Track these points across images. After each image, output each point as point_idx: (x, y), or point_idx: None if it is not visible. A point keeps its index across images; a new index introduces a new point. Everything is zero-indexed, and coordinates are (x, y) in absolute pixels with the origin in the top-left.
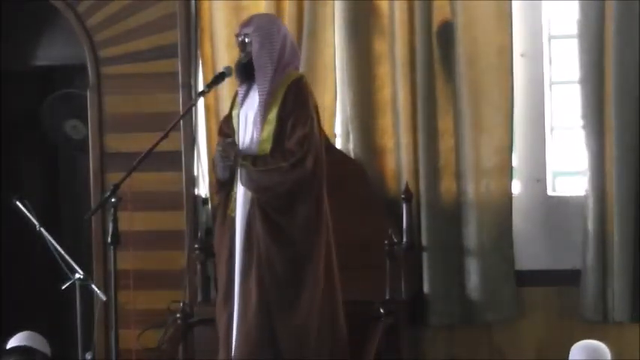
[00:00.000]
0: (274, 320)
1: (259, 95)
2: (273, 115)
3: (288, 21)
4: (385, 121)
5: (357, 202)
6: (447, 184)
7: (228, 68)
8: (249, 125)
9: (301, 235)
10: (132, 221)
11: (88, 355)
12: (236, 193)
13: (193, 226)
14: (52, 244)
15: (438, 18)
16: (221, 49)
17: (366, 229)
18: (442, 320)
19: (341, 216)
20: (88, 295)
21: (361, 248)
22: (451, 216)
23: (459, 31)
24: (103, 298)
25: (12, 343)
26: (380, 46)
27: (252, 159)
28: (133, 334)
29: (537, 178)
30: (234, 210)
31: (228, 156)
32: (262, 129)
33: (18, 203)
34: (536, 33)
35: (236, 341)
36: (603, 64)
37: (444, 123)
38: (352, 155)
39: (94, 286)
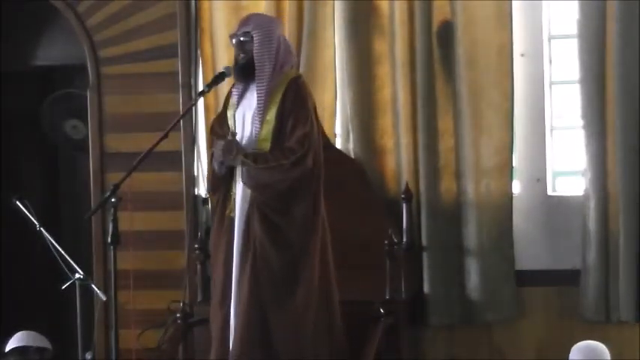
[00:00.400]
0: (269, 318)
1: (258, 94)
2: (272, 114)
3: (288, 21)
4: (385, 121)
5: (357, 202)
6: (447, 184)
7: (228, 68)
8: (247, 125)
9: (298, 234)
10: (132, 221)
11: (88, 355)
12: (235, 193)
13: (193, 226)
14: (52, 244)
15: (438, 18)
16: (221, 49)
17: (366, 229)
18: (442, 320)
19: (341, 216)
20: (88, 295)
21: (361, 248)
22: (451, 216)
23: (459, 31)
24: (103, 298)
25: (11, 343)
26: (380, 46)
27: (254, 156)
28: (133, 334)
29: (537, 177)
30: (233, 210)
31: (230, 152)
32: (261, 128)
33: (18, 203)
34: (536, 33)
35: (233, 341)
36: (603, 64)
37: (444, 123)
38: (352, 155)
39: (94, 286)
